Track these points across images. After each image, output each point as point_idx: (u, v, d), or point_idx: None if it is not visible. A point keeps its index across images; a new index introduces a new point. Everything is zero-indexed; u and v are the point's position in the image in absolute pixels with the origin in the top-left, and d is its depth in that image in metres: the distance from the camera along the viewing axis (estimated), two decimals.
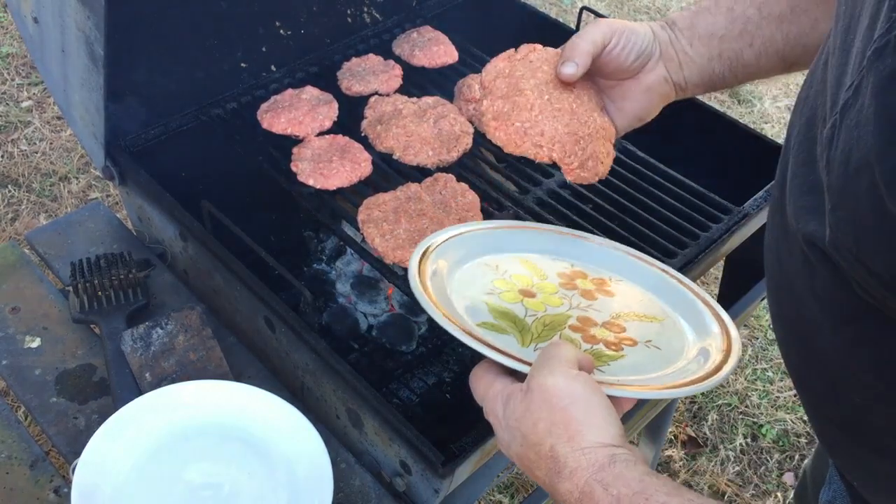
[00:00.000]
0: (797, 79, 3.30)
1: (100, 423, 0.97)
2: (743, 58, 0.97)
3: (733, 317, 1.22)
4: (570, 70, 1.00)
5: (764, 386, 2.26)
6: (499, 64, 1.11)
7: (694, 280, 1.19)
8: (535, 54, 1.09)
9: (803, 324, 0.73)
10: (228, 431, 1.00)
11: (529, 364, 0.74)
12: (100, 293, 1.14)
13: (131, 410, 0.99)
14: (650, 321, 0.93)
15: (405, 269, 1.08)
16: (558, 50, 1.05)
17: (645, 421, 1.27)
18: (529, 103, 1.07)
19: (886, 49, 0.50)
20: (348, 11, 1.53)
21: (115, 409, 0.99)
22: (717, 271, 2.12)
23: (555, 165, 1.10)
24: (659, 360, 0.86)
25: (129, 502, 0.92)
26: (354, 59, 1.41)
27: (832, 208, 0.58)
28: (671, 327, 0.93)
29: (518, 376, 0.75)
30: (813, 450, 1.30)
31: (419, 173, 1.22)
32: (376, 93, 1.35)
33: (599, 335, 0.88)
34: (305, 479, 0.95)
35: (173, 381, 1.04)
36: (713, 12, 0.98)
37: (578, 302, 0.93)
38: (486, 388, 0.75)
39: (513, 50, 1.11)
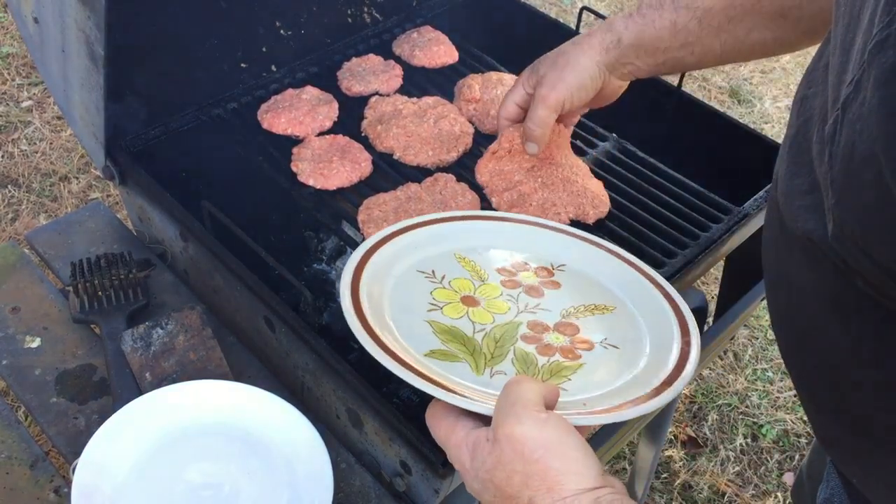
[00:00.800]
0: (797, 79, 3.31)
1: (100, 423, 0.97)
2: (684, 62, 1.04)
3: (733, 317, 1.23)
4: (533, 150, 1.10)
5: (764, 386, 2.26)
6: (489, 165, 1.18)
7: (694, 280, 1.19)
8: (513, 146, 1.17)
9: (803, 321, 0.73)
10: (228, 431, 1.00)
11: (491, 402, 0.69)
12: (100, 293, 1.14)
13: (131, 410, 0.99)
14: (602, 312, 0.89)
15: None
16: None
17: (645, 421, 1.27)
18: (531, 190, 1.15)
19: (887, 41, 0.51)
20: (348, 11, 1.53)
21: (115, 409, 0.99)
22: (717, 271, 2.12)
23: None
24: (620, 361, 0.83)
25: (128, 502, 0.92)
26: (354, 59, 1.42)
27: (836, 203, 0.58)
28: (623, 316, 0.90)
29: (480, 415, 0.71)
30: (809, 448, 1.31)
31: (419, 173, 1.22)
32: (376, 93, 1.35)
33: (554, 342, 0.84)
34: (305, 480, 0.95)
35: (173, 381, 1.04)
36: (657, 26, 1.02)
37: (525, 303, 0.89)
38: (448, 434, 0.71)
39: (494, 145, 1.17)
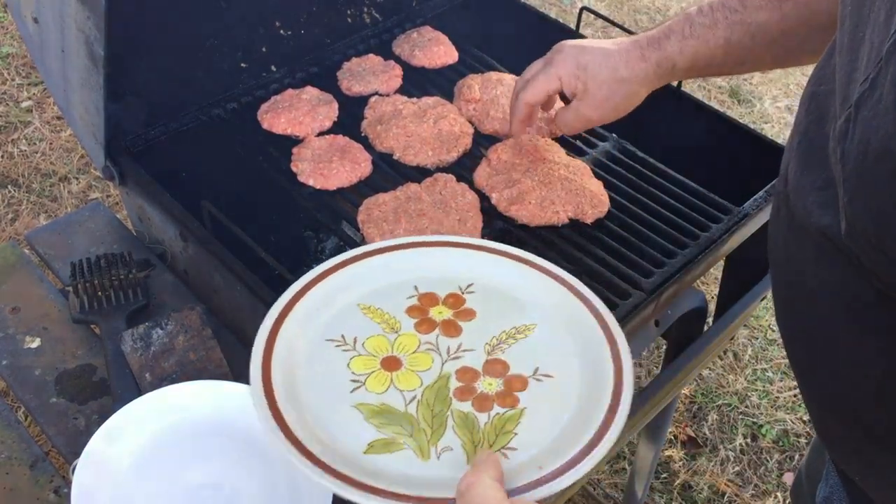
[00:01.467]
0: (797, 79, 3.30)
1: (100, 423, 0.97)
2: (729, 72, 1.03)
3: (733, 317, 1.23)
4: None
5: (764, 386, 2.26)
6: (486, 169, 1.21)
7: (694, 280, 1.19)
8: (504, 155, 1.21)
9: (813, 316, 0.73)
10: (228, 431, 1.00)
11: (450, 499, 0.66)
12: (100, 293, 1.14)
13: (131, 410, 0.99)
14: (524, 336, 0.85)
15: None
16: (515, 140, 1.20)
17: (645, 421, 1.27)
18: (530, 188, 1.16)
19: None
20: (348, 11, 1.53)
21: (115, 409, 0.99)
22: (716, 271, 2.12)
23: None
24: (558, 393, 0.79)
25: (129, 502, 0.92)
26: (354, 59, 1.42)
27: (849, 200, 0.58)
28: (545, 333, 0.86)
29: None
30: (808, 447, 1.31)
31: (419, 173, 1.22)
32: (376, 93, 1.35)
33: (488, 390, 0.79)
34: (305, 479, 0.95)
35: (173, 381, 1.04)
36: (711, 45, 0.99)
37: (447, 347, 0.83)
38: None
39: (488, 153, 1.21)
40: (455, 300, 0.89)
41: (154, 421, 0.99)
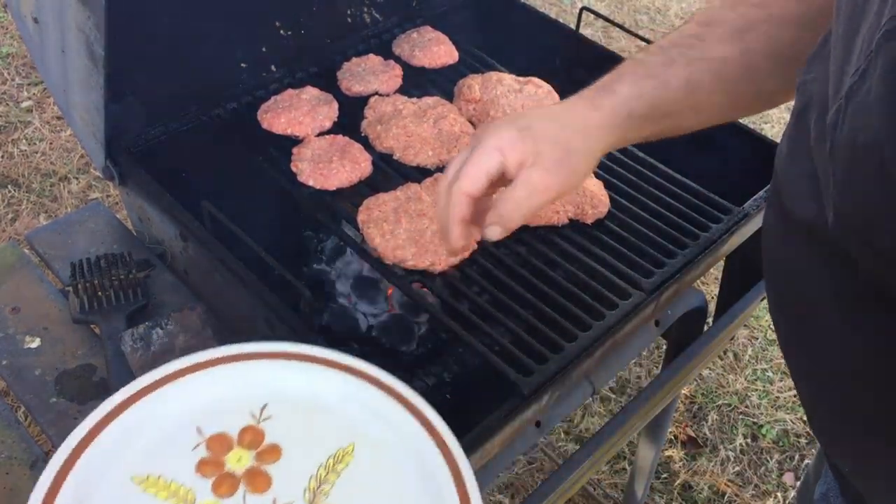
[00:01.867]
0: None
1: None
2: (681, 127, 0.89)
3: (733, 317, 1.23)
4: (496, 235, 0.85)
5: (764, 386, 2.26)
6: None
7: (694, 280, 1.19)
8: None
9: (805, 312, 0.73)
10: None
11: None
12: (100, 293, 1.14)
13: None
14: (345, 463, 0.70)
15: (405, 270, 1.08)
16: None
17: (645, 421, 1.27)
18: None
19: None
20: (348, 11, 1.53)
21: None
22: (716, 271, 2.12)
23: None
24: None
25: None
26: (354, 59, 1.42)
27: (837, 193, 0.58)
28: (369, 451, 0.71)
29: None
30: (814, 451, 1.31)
31: (419, 173, 1.22)
32: (376, 93, 1.35)
33: None
34: None
35: None
36: (672, 86, 0.85)
37: None
38: None
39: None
40: (253, 436, 0.72)
41: None
